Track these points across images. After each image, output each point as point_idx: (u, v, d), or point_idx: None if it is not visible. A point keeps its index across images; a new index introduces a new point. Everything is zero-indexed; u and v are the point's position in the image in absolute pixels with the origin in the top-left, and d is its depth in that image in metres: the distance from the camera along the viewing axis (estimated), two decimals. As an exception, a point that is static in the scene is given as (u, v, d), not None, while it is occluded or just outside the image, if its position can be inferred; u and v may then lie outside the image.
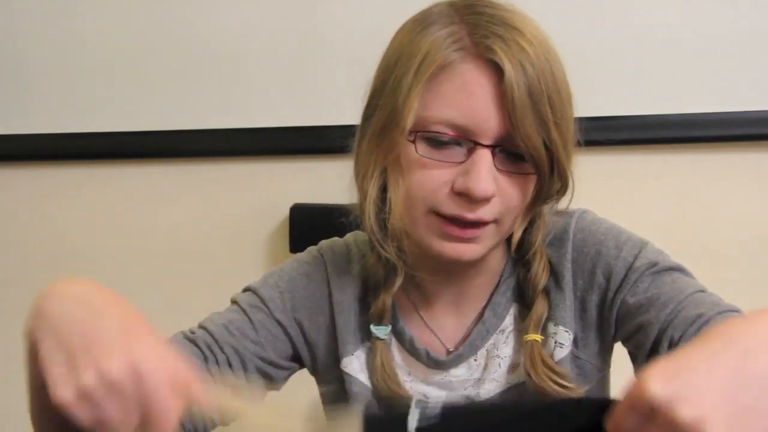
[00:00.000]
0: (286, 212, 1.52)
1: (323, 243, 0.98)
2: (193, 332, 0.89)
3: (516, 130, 0.78)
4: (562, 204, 0.88)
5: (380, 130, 0.83)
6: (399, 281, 0.88)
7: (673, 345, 0.80)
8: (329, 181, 1.48)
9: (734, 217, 1.44)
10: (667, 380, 0.55)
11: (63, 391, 0.60)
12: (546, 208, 0.89)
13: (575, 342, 0.88)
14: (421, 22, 0.84)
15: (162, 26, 1.54)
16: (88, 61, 1.57)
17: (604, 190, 1.44)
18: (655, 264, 0.85)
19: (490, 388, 0.89)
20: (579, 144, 0.89)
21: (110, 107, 1.57)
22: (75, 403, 0.60)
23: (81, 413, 0.60)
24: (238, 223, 1.57)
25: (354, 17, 1.47)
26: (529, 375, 0.86)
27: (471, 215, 0.80)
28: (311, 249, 0.98)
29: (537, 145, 0.79)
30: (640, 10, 1.41)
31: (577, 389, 0.86)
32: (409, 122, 0.80)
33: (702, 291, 0.83)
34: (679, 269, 0.86)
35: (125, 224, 1.61)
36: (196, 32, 1.53)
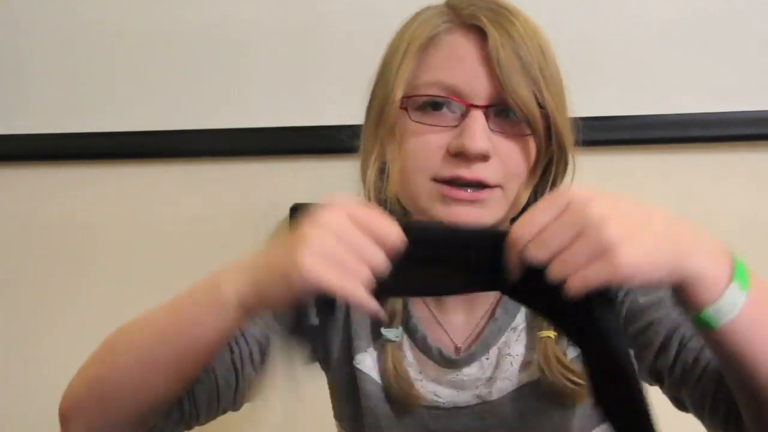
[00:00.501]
0: (286, 212, 1.52)
1: None
2: None
3: (505, 88, 0.79)
4: (564, 184, 0.89)
5: (378, 112, 0.85)
6: None
7: (683, 343, 0.80)
8: (329, 181, 1.48)
9: (734, 217, 1.44)
10: (591, 189, 0.61)
11: (312, 261, 0.61)
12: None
13: None
14: (416, 14, 0.87)
15: (162, 26, 1.54)
16: (88, 61, 1.57)
17: (603, 190, 1.44)
18: None
19: (502, 386, 0.89)
20: (578, 143, 0.89)
21: (110, 107, 1.56)
22: (322, 264, 0.61)
23: (329, 274, 0.61)
24: (238, 223, 1.57)
25: (354, 17, 1.47)
26: (542, 372, 0.86)
27: (469, 174, 0.80)
28: None
29: (527, 102, 0.80)
30: (639, 10, 1.41)
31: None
32: (399, 92, 0.82)
33: None
34: None
35: (125, 224, 1.61)
36: (196, 32, 1.53)
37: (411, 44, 0.83)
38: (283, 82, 1.51)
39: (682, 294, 0.62)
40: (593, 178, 1.42)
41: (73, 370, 0.80)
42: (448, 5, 0.86)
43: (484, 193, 0.81)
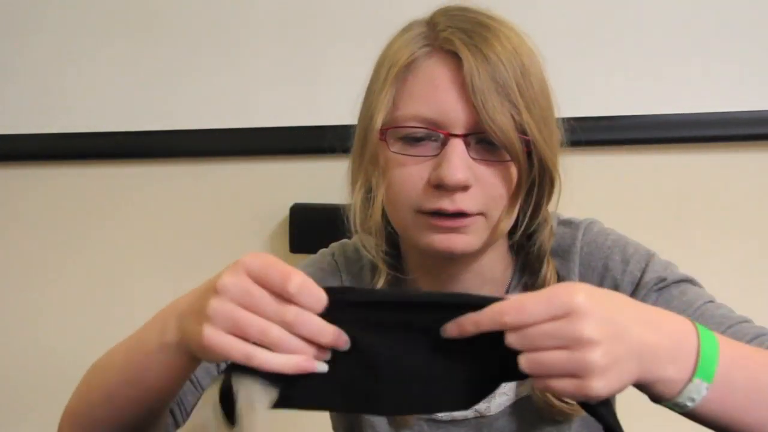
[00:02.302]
0: (286, 212, 1.52)
1: (335, 247, 0.97)
2: None
3: (480, 114, 0.78)
4: (552, 200, 0.87)
5: (361, 140, 0.85)
6: (381, 281, 0.88)
7: None
8: (329, 181, 1.47)
9: (734, 217, 1.44)
10: (597, 299, 0.61)
11: (211, 334, 0.61)
12: (552, 217, 0.89)
13: None
14: (401, 31, 0.86)
15: (162, 27, 1.54)
16: (88, 61, 1.57)
17: (604, 190, 1.44)
18: (663, 279, 0.84)
19: (500, 401, 0.89)
20: (563, 144, 0.88)
21: (110, 107, 1.57)
22: (222, 336, 0.61)
23: (233, 346, 0.61)
24: (238, 223, 1.57)
25: (354, 17, 1.47)
26: (533, 389, 0.86)
27: (451, 207, 0.79)
28: (324, 252, 0.97)
29: (504, 128, 0.78)
30: (640, 10, 1.41)
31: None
32: (379, 122, 0.82)
33: (711, 302, 0.83)
34: (687, 280, 0.85)
35: (125, 224, 1.61)
36: (195, 32, 1.53)
37: (390, 70, 0.83)
38: (283, 82, 1.51)
39: (643, 389, 0.64)
40: (594, 178, 1.43)
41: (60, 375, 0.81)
42: (429, 23, 0.84)
43: (465, 221, 0.80)
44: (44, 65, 1.58)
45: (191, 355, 0.67)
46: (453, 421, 0.90)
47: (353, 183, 0.87)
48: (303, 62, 1.50)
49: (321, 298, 0.62)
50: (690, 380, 0.63)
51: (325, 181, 1.49)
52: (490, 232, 0.83)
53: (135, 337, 0.74)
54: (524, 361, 0.60)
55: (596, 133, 1.41)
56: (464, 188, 0.79)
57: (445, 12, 0.84)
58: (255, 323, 0.61)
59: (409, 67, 0.82)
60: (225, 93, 1.53)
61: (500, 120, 0.77)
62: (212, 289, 0.63)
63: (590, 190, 1.45)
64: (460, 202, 0.79)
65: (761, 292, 1.41)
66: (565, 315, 0.59)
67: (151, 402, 0.73)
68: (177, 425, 0.83)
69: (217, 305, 0.62)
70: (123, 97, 1.56)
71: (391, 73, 0.82)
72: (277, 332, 0.61)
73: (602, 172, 1.44)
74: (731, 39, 1.39)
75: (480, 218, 0.81)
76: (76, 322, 1.62)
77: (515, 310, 0.60)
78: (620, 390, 0.61)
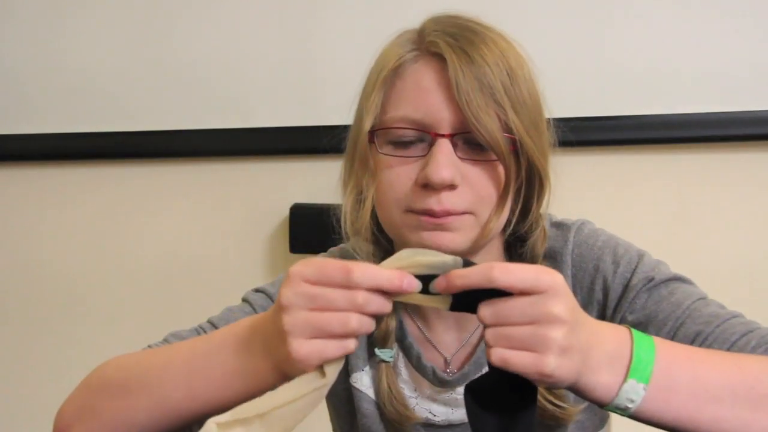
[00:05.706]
0: (286, 212, 1.52)
1: (334, 251, 0.98)
2: (204, 329, 0.89)
3: (465, 114, 0.79)
4: (545, 202, 0.87)
5: (352, 143, 0.86)
6: None
7: None
8: (329, 181, 1.47)
9: (734, 217, 1.44)
10: (565, 287, 0.65)
11: (299, 346, 0.64)
12: (545, 218, 0.89)
13: None
14: (393, 38, 0.87)
15: (162, 27, 1.54)
16: (87, 61, 1.57)
17: (604, 190, 1.44)
18: (651, 279, 0.85)
19: None
20: (555, 145, 0.88)
21: (110, 107, 1.57)
22: (310, 344, 0.64)
23: (327, 347, 0.64)
24: (238, 223, 1.57)
25: (353, 18, 1.47)
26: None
27: (439, 207, 0.80)
28: (323, 255, 0.98)
29: (489, 127, 0.79)
30: (640, 10, 1.41)
31: (572, 408, 0.86)
32: (368, 125, 0.83)
33: (701, 299, 0.83)
34: (676, 279, 0.85)
35: (125, 224, 1.61)
36: (196, 32, 1.53)
37: (379, 74, 0.84)
38: (282, 83, 1.51)
39: (583, 394, 0.66)
40: (594, 178, 1.43)
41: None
42: (418, 30, 0.85)
43: (452, 218, 0.81)
44: (44, 64, 1.58)
45: (285, 375, 0.69)
46: (450, 426, 0.90)
47: (345, 185, 0.88)
48: (303, 62, 1.50)
49: (380, 276, 0.64)
50: (624, 381, 0.65)
51: (325, 181, 1.48)
52: (480, 231, 0.83)
53: (202, 355, 0.75)
54: (488, 336, 0.64)
55: (596, 133, 1.41)
56: (451, 187, 0.80)
57: (435, 19, 0.86)
58: (333, 320, 0.64)
59: (396, 70, 0.83)
60: (225, 93, 1.53)
61: (485, 119, 0.78)
62: (278, 308, 0.66)
63: (590, 191, 1.45)
64: (447, 201, 0.80)
65: (761, 292, 1.41)
66: (543, 293, 0.63)
67: (208, 412, 0.72)
68: None
69: (289, 319, 0.65)
70: (123, 97, 1.56)
71: (380, 78, 0.83)
72: (356, 319, 0.64)
73: (602, 172, 1.44)
74: (731, 38, 1.39)
75: (468, 216, 0.82)
76: (78, 325, 1.62)
77: (504, 275, 0.64)
78: (562, 380, 0.63)
